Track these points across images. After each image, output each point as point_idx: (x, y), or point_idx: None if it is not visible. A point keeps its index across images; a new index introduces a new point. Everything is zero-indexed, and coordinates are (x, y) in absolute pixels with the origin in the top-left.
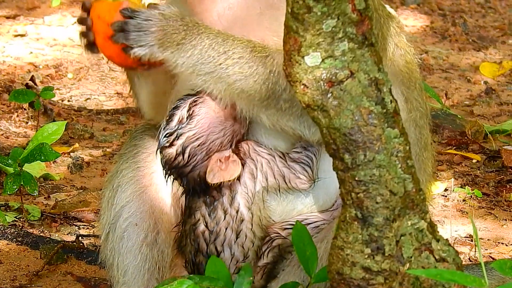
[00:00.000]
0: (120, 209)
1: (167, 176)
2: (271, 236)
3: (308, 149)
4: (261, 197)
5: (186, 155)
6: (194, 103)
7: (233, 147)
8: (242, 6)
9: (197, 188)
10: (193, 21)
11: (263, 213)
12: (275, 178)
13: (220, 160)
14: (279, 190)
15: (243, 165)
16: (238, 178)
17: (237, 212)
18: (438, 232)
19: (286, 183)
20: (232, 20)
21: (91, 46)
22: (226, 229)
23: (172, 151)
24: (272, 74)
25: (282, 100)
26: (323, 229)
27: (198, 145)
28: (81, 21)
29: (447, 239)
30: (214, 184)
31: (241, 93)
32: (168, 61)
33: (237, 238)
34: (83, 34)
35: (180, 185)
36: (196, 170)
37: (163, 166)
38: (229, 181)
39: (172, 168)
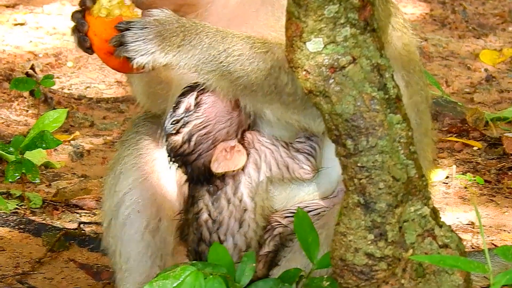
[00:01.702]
0: (122, 196)
1: (171, 163)
2: (272, 224)
3: (311, 139)
4: (264, 187)
5: (192, 143)
6: (202, 92)
7: (238, 137)
8: (238, 3)
9: (201, 177)
10: (190, 21)
11: (266, 203)
12: (278, 168)
13: (225, 150)
14: (283, 180)
15: (247, 155)
16: (242, 168)
17: (240, 201)
18: (440, 218)
19: (289, 173)
20: (229, 18)
21: (85, 48)
22: (229, 218)
23: (178, 138)
24: (273, 69)
25: (285, 94)
26: (324, 215)
27: (205, 134)
28: (76, 22)
29: (450, 226)
30: (218, 173)
31: (244, 89)
32: (172, 65)
33: (240, 227)
34: (78, 39)
35: (184, 173)
36: (201, 158)
37: (168, 153)
38: (233, 171)
39: (177, 155)
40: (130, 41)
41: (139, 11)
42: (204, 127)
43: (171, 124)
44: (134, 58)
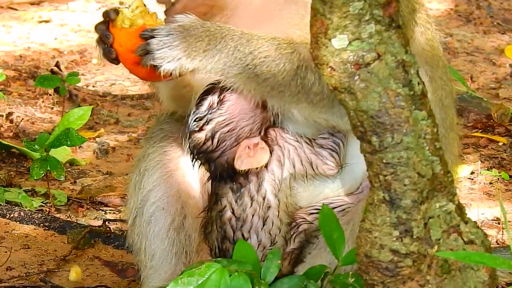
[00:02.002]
0: (147, 193)
1: (194, 160)
2: (297, 221)
3: (335, 135)
4: (288, 184)
5: (215, 141)
6: (225, 89)
7: (261, 134)
8: (262, 3)
9: (224, 174)
10: (214, 25)
11: (290, 200)
12: (302, 164)
13: (248, 147)
14: (306, 177)
15: (271, 152)
16: (266, 165)
17: (264, 199)
18: (466, 214)
19: (313, 169)
20: (253, 18)
21: (111, 59)
22: (252, 215)
23: (201, 135)
24: (299, 70)
25: (312, 93)
26: (349, 211)
27: (228, 131)
28: (100, 33)
29: (475, 222)
30: (241, 171)
31: (271, 90)
32: (198, 70)
33: (264, 224)
34: (103, 50)
35: (207, 171)
36: (225, 156)
37: (190, 151)
38: (256, 168)
39: (200, 152)
40: (156, 49)
41: (162, 18)
42: (227, 124)
43: (195, 121)
44: (161, 66)
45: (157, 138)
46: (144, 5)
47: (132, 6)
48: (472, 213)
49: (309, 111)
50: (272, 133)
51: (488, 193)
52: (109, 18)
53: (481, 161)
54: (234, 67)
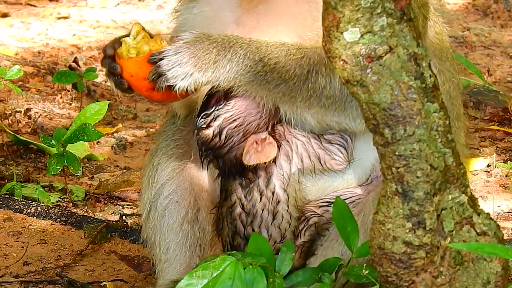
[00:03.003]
0: (160, 187)
1: (202, 157)
2: (307, 215)
3: (343, 131)
4: (296, 178)
5: (222, 137)
6: None
7: (269, 129)
8: (277, 4)
9: (232, 170)
10: (221, 36)
11: (299, 194)
12: (310, 159)
13: (256, 142)
14: (315, 172)
15: (278, 147)
16: (274, 160)
17: (273, 193)
18: (479, 205)
19: (321, 164)
20: (267, 19)
21: (124, 89)
22: (262, 210)
23: (208, 132)
24: (310, 74)
25: (324, 97)
26: (359, 203)
27: (235, 127)
28: (107, 67)
29: (488, 213)
30: (250, 166)
31: (283, 96)
32: (211, 81)
33: (273, 219)
34: (115, 82)
35: (216, 167)
36: (233, 151)
37: (199, 148)
38: (265, 163)
39: (208, 149)
40: (167, 69)
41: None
42: (235, 120)
43: (202, 118)
44: (176, 84)
45: (170, 132)
46: (144, 29)
47: (132, 34)
48: (488, 206)
49: (322, 115)
50: (280, 128)
51: (504, 186)
52: (113, 50)
53: (497, 154)
54: (245, 75)
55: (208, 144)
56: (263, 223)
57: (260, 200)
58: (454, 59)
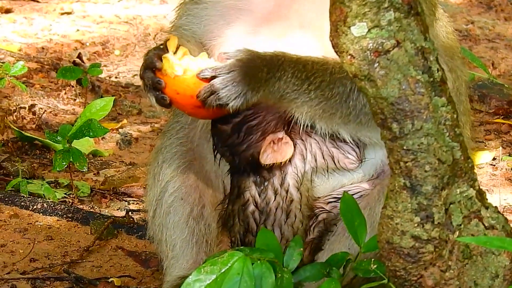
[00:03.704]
0: (165, 184)
1: (216, 153)
2: (315, 211)
3: None
4: (309, 177)
5: (242, 134)
6: None
7: (285, 128)
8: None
9: (247, 168)
10: (268, 53)
11: (310, 193)
12: (324, 158)
13: (273, 142)
14: (327, 171)
15: (294, 146)
16: (289, 159)
17: (287, 192)
18: (487, 199)
19: (334, 163)
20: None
21: (165, 105)
22: (276, 209)
23: (227, 128)
24: (352, 92)
25: (362, 114)
26: (365, 196)
27: (255, 125)
28: (151, 81)
29: (496, 207)
30: (266, 165)
31: (323, 113)
32: (260, 100)
33: (287, 218)
34: (156, 97)
35: (230, 164)
36: (250, 149)
37: (215, 143)
38: (280, 163)
39: (225, 145)
40: (221, 88)
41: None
42: (255, 118)
43: None
44: (228, 104)
45: (174, 130)
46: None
47: (170, 48)
48: (494, 199)
49: (356, 131)
50: (295, 127)
51: (510, 179)
52: (155, 68)
53: (503, 147)
54: (291, 93)
55: (226, 141)
56: (276, 222)
57: (275, 199)
58: (463, 56)
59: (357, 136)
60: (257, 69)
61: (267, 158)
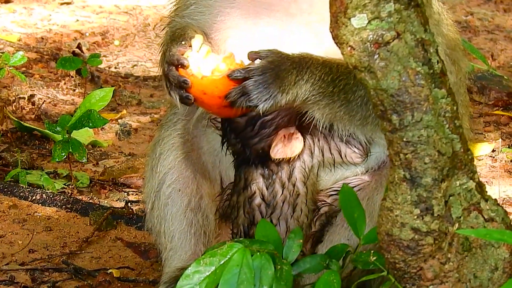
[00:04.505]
0: (163, 176)
1: (225, 143)
2: (317, 204)
3: None
4: (315, 172)
5: (256, 127)
6: None
7: (296, 123)
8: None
9: (256, 160)
10: (296, 55)
11: (315, 187)
12: (331, 152)
13: (284, 136)
14: (334, 165)
15: (304, 141)
16: (298, 154)
17: (294, 186)
18: (486, 192)
19: (341, 157)
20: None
21: (189, 104)
22: (283, 203)
23: (242, 120)
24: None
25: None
26: (364, 188)
27: (270, 120)
28: (176, 81)
29: (495, 199)
30: (276, 159)
31: (344, 115)
32: (288, 102)
33: (293, 212)
34: (180, 96)
35: (238, 155)
36: (262, 143)
37: (227, 133)
38: (290, 158)
39: (238, 137)
40: (253, 90)
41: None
42: (270, 113)
43: None
44: (257, 105)
45: (170, 123)
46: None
47: (195, 47)
48: (493, 191)
49: (373, 132)
50: (306, 122)
51: (509, 171)
52: (181, 65)
53: (502, 139)
54: (316, 95)
55: (239, 133)
56: (283, 216)
57: (282, 192)
58: (463, 49)
59: (373, 138)
60: (288, 71)
61: (277, 152)
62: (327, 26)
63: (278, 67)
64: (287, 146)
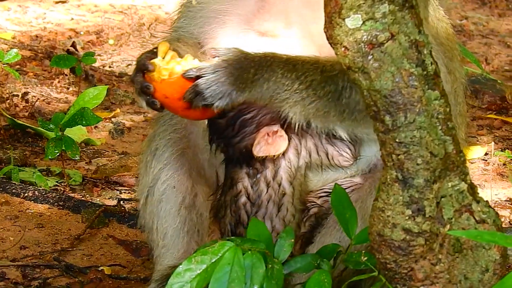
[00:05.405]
0: (158, 172)
1: (212, 143)
2: (307, 205)
3: None
4: (303, 172)
5: (236, 126)
6: None
7: (281, 122)
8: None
9: (241, 159)
10: (257, 54)
11: (303, 188)
12: (318, 154)
13: (268, 134)
14: (321, 166)
15: (289, 140)
16: (283, 153)
17: (279, 185)
18: (478, 193)
19: (328, 159)
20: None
21: (157, 108)
22: (268, 202)
23: (222, 121)
24: (344, 90)
25: (356, 111)
26: (357, 190)
27: (250, 118)
28: (140, 86)
29: (487, 201)
30: (259, 157)
31: (317, 112)
32: (248, 100)
33: (278, 211)
34: (147, 101)
35: (224, 155)
36: (244, 141)
37: (210, 135)
38: (273, 156)
39: (220, 138)
40: (205, 88)
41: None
42: (249, 111)
43: None
44: (213, 103)
45: (167, 117)
46: (169, 48)
47: (159, 54)
48: (485, 194)
49: (353, 128)
50: (292, 122)
51: (501, 174)
52: (146, 70)
53: (495, 143)
54: (281, 93)
55: (221, 133)
56: (268, 215)
57: (267, 191)
58: (460, 56)
59: (354, 133)
60: (243, 70)
61: (260, 150)
62: (315, 32)
63: (232, 65)
64: (271, 144)
